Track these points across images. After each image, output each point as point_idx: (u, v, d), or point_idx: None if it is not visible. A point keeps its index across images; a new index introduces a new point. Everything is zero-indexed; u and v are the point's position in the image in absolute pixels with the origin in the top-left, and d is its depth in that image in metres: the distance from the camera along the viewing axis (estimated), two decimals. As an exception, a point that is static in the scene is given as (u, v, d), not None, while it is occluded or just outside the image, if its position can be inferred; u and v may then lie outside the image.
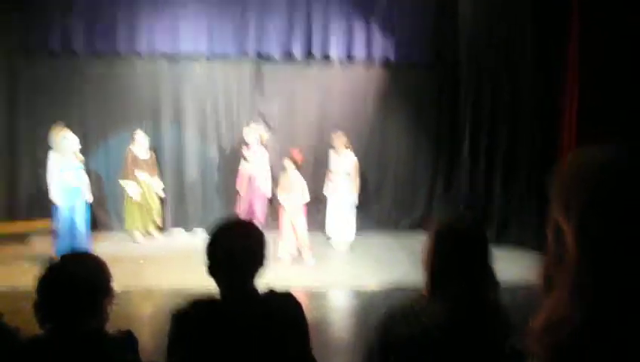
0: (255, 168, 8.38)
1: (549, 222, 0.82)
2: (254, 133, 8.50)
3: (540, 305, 0.79)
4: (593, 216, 0.75)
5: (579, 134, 6.82)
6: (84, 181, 7.47)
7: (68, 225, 7.23)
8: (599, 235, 0.74)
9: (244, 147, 8.52)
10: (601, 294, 0.73)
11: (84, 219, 7.43)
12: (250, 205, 8.40)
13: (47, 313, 1.78)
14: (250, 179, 8.37)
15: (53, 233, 7.38)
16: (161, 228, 8.96)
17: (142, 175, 8.47)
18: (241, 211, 8.27)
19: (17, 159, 8.64)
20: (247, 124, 9.10)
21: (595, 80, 6.53)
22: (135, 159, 8.40)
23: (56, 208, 7.26)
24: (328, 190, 8.46)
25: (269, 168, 8.59)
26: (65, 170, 7.26)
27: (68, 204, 7.25)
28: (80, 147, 7.51)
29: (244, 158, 8.43)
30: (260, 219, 8.26)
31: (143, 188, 8.50)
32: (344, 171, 8.32)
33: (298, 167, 7.70)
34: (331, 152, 8.51)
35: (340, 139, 8.37)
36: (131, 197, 8.39)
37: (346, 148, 8.38)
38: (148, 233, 8.73)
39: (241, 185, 8.46)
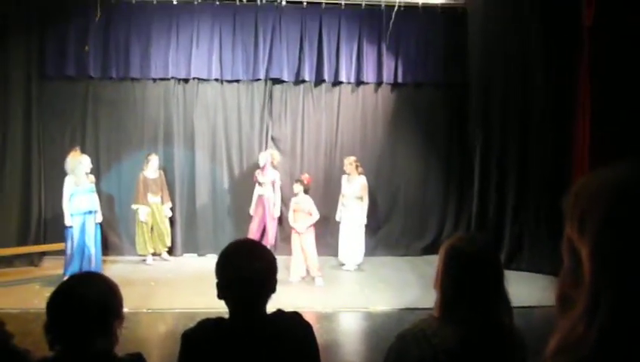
0: (267, 190, 8.40)
1: (564, 242, 0.81)
2: (267, 155, 8.55)
3: (556, 326, 0.78)
4: (609, 235, 0.74)
5: (591, 154, 6.74)
6: (95, 204, 7.52)
7: (79, 248, 7.27)
8: (615, 255, 0.73)
9: (258, 171, 8.55)
10: (617, 314, 0.71)
11: (96, 241, 7.46)
12: (262, 227, 8.40)
13: (57, 334, 1.77)
14: (262, 201, 8.39)
15: (64, 255, 7.41)
16: (172, 251, 8.96)
17: (153, 198, 8.51)
18: (252, 233, 8.26)
19: (32, 182, 8.70)
20: (259, 148, 9.15)
21: (608, 99, 6.47)
22: (146, 181, 8.46)
23: (68, 230, 7.31)
24: (341, 216, 8.42)
25: (279, 189, 8.61)
26: (77, 194, 7.32)
27: (79, 227, 7.29)
28: (91, 166, 7.59)
29: (258, 183, 8.44)
30: (270, 241, 8.25)
31: (154, 211, 8.54)
32: (355, 195, 8.29)
33: (307, 191, 7.72)
34: (343, 177, 8.50)
35: (352, 164, 8.36)
36: (143, 222, 8.43)
37: (359, 173, 8.36)
38: (159, 256, 8.74)
39: (255, 209, 8.48)
